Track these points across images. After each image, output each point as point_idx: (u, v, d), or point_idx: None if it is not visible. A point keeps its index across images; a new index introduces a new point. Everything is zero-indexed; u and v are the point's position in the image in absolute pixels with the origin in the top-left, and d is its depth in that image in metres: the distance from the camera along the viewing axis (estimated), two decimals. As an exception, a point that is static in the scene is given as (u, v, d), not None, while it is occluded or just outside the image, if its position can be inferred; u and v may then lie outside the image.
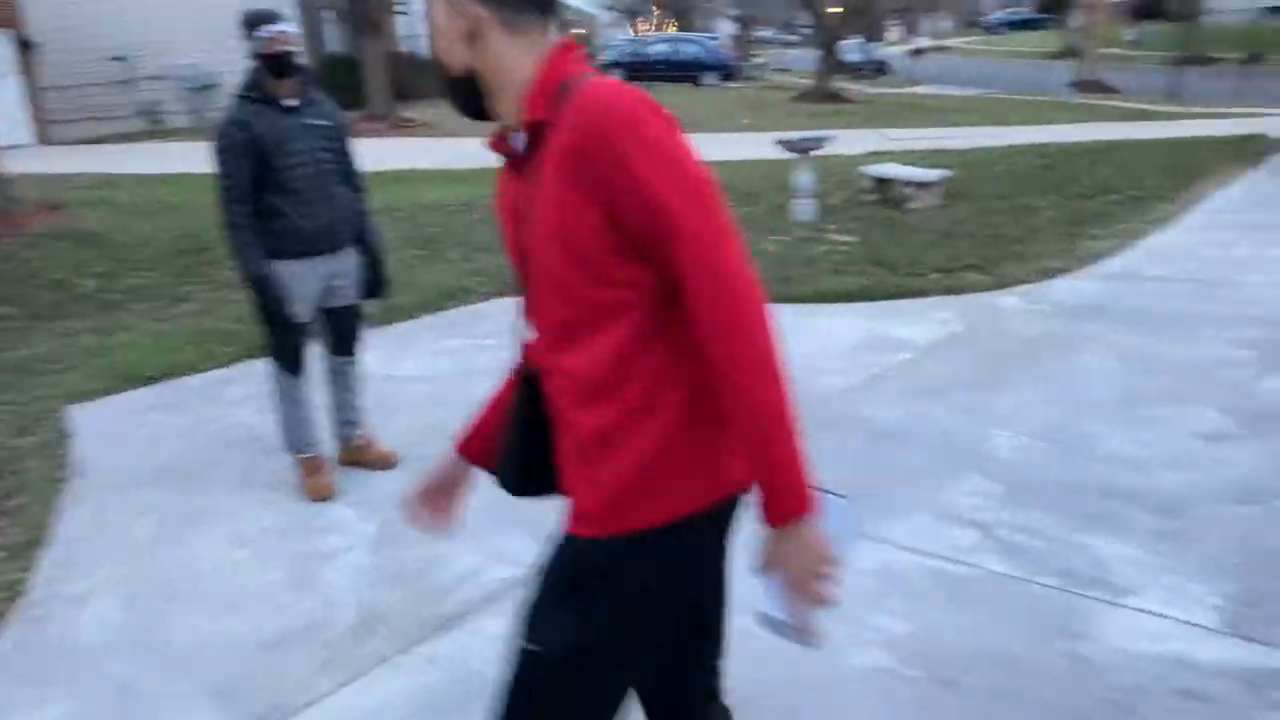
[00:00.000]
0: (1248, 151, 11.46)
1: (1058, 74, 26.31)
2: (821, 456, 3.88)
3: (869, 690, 2.54)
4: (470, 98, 1.44)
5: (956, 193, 9.32)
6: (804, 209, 8.52)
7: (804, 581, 1.33)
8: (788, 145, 8.77)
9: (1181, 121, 15.90)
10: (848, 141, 11.94)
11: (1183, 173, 10.21)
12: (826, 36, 24.47)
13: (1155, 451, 3.84)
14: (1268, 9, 33.98)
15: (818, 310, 6.05)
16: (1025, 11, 58.94)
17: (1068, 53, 30.42)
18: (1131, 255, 7.14)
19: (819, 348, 5.32)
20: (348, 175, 3.71)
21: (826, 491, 1.42)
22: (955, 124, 17.01)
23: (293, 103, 3.51)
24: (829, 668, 2.62)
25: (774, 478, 1.31)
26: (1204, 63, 26.84)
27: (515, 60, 1.38)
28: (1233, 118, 15.84)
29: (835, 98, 22.55)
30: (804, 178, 8.55)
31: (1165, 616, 2.77)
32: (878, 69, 36.08)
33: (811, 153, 8.64)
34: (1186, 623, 2.74)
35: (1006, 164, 11.32)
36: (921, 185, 9.00)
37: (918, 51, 40.61)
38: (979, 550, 3.19)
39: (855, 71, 33.79)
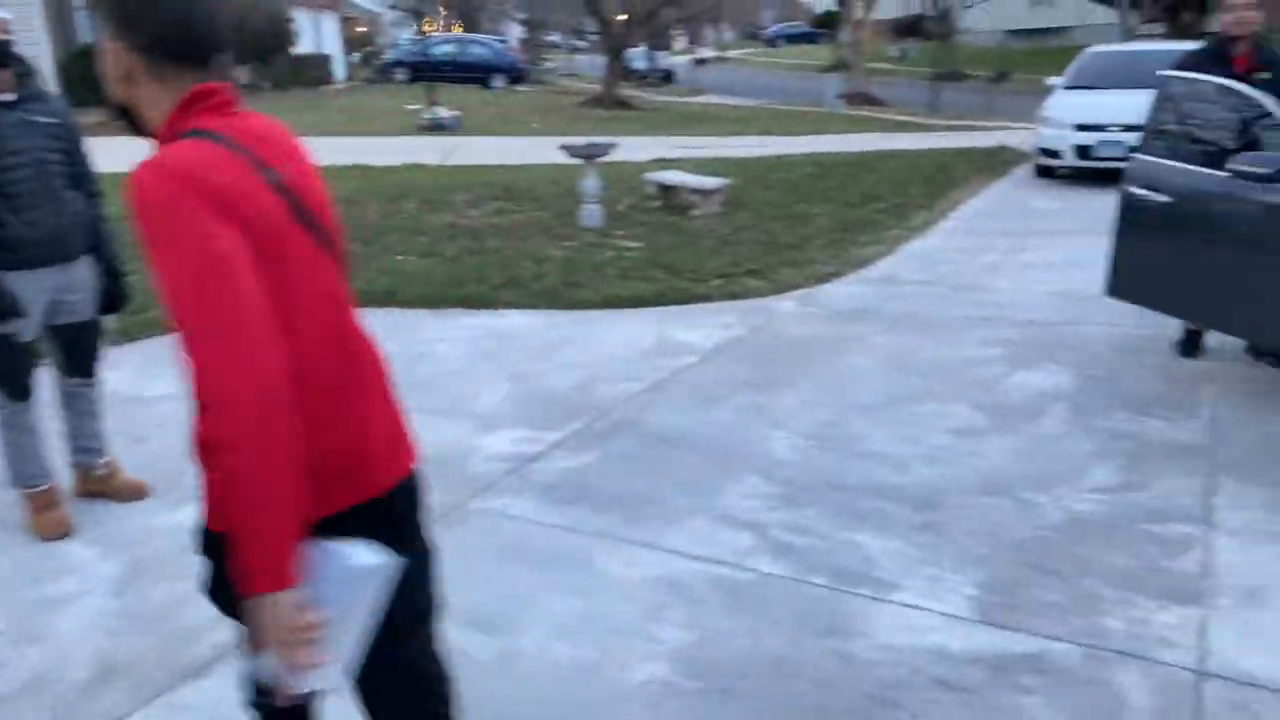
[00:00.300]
0: (996, 163, 12.43)
1: (830, 86, 27.71)
2: (602, 465, 3.90)
3: (645, 706, 2.51)
4: (133, 125, 1.56)
5: (736, 200, 9.60)
6: (590, 214, 8.54)
7: (283, 647, 1.41)
8: (572, 151, 8.77)
9: (939, 133, 17.09)
10: (634, 148, 12.08)
11: (940, 182, 10.94)
12: (613, 43, 24.81)
13: (915, 448, 4.05)
14: (1011, 31, 37.17)
15: (604, 316, 6.06)
16: (801, 25, 61.94)
17: (839, 66, 32.11)
18: (894, 261, 7.57)
19: (605, 354, 5.32)
20: (80, 178, 3.38)
21: (335, 550, 1.47)
22: (736, 133, 17.58)
23: (9, 97, 3.16)
24: (606, 686, 2.59)
25: (247, 554, 1.38)
26: (959, 79, 29.00)
27: (155, 105, 1.50)
28: (983, 130, 17.14)
29: (622, 104, 22.89)
30: (590, 183, 8.57)
31: (924, 609, 2.91)
32: (663, 77, 36.97)
33: (597, 159, 8.67)
34: (943, 614, 2.88)
35: (782, 173, 11.78)
36: (703, 193, 9.21)
37: (701, 61, 41.95)
38: (755, 553, 3.24)
39: (641, 79, 34.47)
